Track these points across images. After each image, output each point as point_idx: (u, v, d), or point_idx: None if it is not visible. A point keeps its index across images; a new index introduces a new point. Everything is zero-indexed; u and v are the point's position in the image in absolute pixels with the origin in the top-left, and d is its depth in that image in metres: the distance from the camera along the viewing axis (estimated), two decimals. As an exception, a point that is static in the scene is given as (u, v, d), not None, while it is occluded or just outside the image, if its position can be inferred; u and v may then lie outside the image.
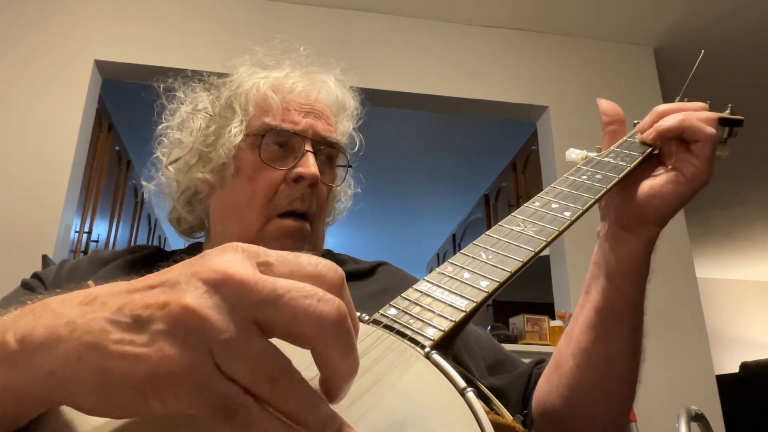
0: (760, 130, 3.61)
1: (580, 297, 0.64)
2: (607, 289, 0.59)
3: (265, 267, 0.29)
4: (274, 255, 0.30)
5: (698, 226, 5.22)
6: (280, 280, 0.28)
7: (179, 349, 0.26)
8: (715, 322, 5.66)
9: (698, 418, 1.48)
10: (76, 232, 2.80)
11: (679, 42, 3.15)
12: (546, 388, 0.66)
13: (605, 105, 0.65)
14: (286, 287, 0.28)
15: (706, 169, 0.57)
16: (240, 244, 0.30)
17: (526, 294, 3.26)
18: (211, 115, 0.78)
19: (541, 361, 0.74)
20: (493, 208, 4.14)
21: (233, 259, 0.29)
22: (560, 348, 0.65)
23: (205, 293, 0.27)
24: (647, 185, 0.58)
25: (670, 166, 0.58)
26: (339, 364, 0.29)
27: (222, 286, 0.27)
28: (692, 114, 0.58)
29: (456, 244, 5.20)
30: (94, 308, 0.29)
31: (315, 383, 0.30)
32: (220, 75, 0.83)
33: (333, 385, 0.29)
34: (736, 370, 4.36)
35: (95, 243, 3.09)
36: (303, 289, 0.28)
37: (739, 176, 4.35)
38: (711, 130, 0.56)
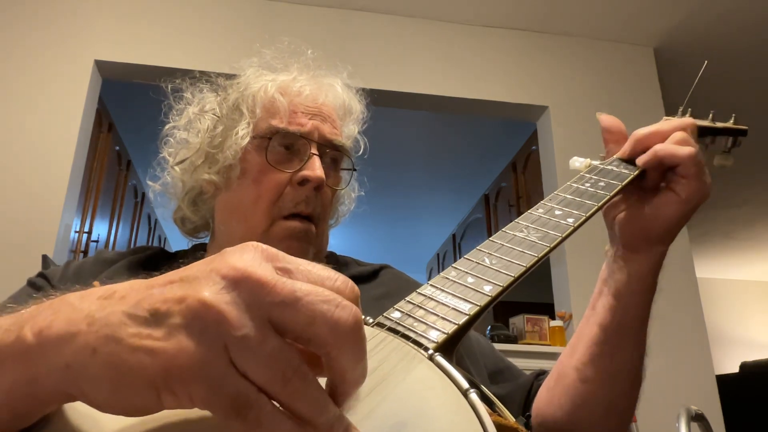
0: (760, 130, 3.61)
1: (585, 310, 0.65)
2: (614, 307, 0.60)
3: (283, 272, 0.29)
4: (293, 263, 0.30)
5: (698, 227, 5.23)
6: (299, 283, 0.28)
7: (195, 343, 0.26)
8: (715, 322, 5.66)
9: (698, 418, 1.48)
10: (76, 232, 2.80)
11: (679, 42, 3.15)
12: (547, 399, 0.66)
13: (606, 120, 0.65)
14: (305, 290, 0.28)
15: (699, 186, 0.57)
16: (260, 244, 0.30)
17: (526, 294, 3.26)
18: (218, 117, 0.78)
19: (542, 373, 0.74)
20: (493, 208, 4.14)
21: (253, 258, 0.29)
22: (563, 360, 0.66)
23: (223, 289, 0.27)
24: (648, 208, 0.59)
25: (666, 185, 0.59)
26: (349, 371, 0.29)
27: (240, 284, 0.28)
28: (664, 146, 0.58)
29: (456, 244, 5.19)
30: (113, 302, 0.29)
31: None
32: (228, 76, 0.83)
33: (341, 391, 0.29)
34: (736, 370, 4.36)
35: (95, 243, 3.09)
36: (322, 294, 0.28)
37: (739, 176, 4.35)
38: (685, 150, 0.57)
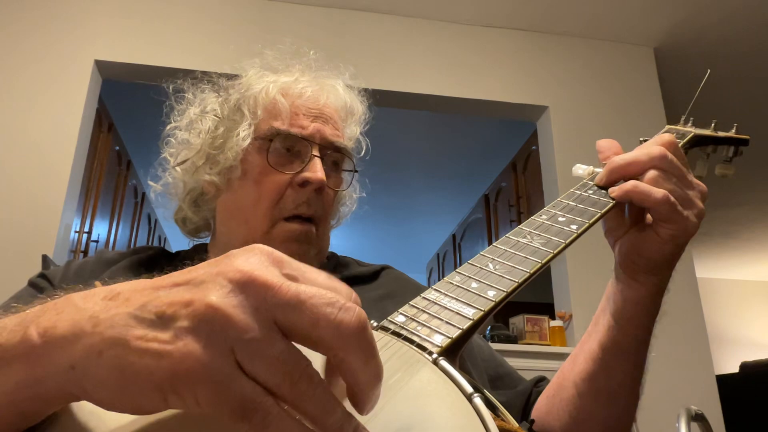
0: (760, 130, 3.61)
1: (590, 325, 0.64)
2: (613, 328, 0.60)
3: (288, 279, 0.29)
4: (299, 270, 0.30)
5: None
6: (303, 285, 0.29)
7: (201, 346, 0.26)
8: (715, 322, 5.66)
9: (698, 418, 1.48)
10: (76, 232, 2.80)
11: (679, 42, 3.15)
12: (546, 409, 0.66)
13: (602, 144, 0.63)
14: (309, 293, 0.28)
15: (679, 225, 0.54)
16: (266, 247, 0.31)
17: (526, 294, 3.25)
18: (219, 118, 0.78)
19: (542, 380, 0.74)
20: (493, 208, 4.14)
21: (259, 262, 0.29)
22: (564, 371, 0.66)
23: (230, 293, 0.28)
24: (638, 238, 0.57)
25: (651, 220, 0.56)
26: (359, 372, 0.29)
27: (247, 287, 0.28)
28: (635, 186, 0.54)
29: (456, 244, 5.19)
30: (117, 304, 0.29)
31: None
32: (229, 77, 0.83)
33: (356, 393, 0.29)
34: (736, 370, 4.36)
35: (95, 243, 3.09)
36: (325, 297, 0.28)
37: (738, 177, 4.33)
38: (657, 194, 0.53)
